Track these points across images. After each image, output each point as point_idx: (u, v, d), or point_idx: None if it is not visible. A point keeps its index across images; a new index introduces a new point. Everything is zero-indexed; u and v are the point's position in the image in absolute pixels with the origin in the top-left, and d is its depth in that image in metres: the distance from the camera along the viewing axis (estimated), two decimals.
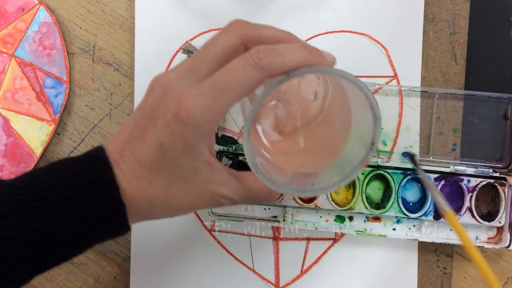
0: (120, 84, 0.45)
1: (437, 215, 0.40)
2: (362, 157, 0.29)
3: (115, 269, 0.44)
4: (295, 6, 0.43)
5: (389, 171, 0.41)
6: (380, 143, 0.42)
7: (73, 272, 0.44)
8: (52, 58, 0.44)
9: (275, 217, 0.42)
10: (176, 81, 0.29)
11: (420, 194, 0.42)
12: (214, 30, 0.43)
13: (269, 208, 0.42)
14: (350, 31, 0.43)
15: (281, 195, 0.39)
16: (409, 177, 0.41)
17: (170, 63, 0.44)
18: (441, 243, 0.41)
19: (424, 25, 0.43)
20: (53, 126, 0.44)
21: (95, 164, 0.30)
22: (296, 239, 0.43)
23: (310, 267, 0.43)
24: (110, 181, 0.29)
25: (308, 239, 0.43)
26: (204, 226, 0.43)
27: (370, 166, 0.41)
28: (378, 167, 0.41)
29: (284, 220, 0.42)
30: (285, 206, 0.42)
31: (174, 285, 0.43)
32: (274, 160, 0.34)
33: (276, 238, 0.43)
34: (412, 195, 0.42)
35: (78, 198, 0.29)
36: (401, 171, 0.41)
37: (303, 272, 0.43)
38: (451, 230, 0.41)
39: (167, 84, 0.29)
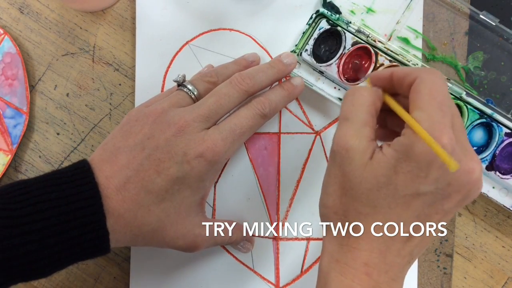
0: (120, 84, 0.45)
1: (491, 167, 0.41)
2: None
3: (115, 269, 0.44)
4: (295, 6, 0.43)
5: (469, 106, 0.41)
6: None
7: (73, 272, 0.44)
8: (14, 88, 0.44)
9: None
10: (193, 123, 0.34)
11: (484, 142, 0.41)
12: (214, 30, 0.44)
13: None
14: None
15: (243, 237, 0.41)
16: (484, 120, 0.41)
17: (170, 63, 0.44)
18: (440, 242, 0.41)
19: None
20: (9, 156, 0.44)
21: (85, 190, 0.32)
22: (296, 239, 0.43)
23: (310, 267, 0.43)
24: (98, 210, 0.32)
25: (308, 239, 0.43)
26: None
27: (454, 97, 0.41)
28: (460, 98, 0.41)
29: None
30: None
31: (174, 285, 0.43)
32: None
33: (276, 238, 0.43)
34: (476, 139, 0.42)
35: (66, 225, 0.31)
36: (479, 112, 0.41)
37: (303, 272, 0.43)
38: (493, 188, 0.42)
39: (184, 125, 0.34)
